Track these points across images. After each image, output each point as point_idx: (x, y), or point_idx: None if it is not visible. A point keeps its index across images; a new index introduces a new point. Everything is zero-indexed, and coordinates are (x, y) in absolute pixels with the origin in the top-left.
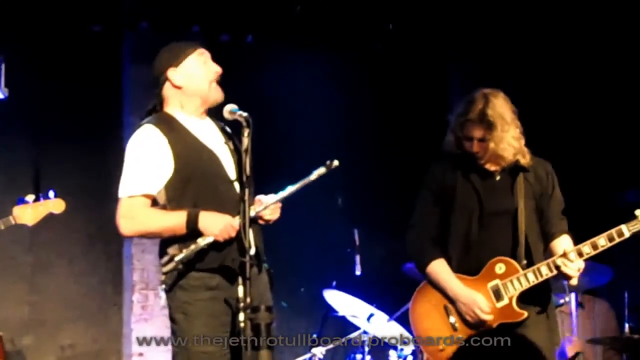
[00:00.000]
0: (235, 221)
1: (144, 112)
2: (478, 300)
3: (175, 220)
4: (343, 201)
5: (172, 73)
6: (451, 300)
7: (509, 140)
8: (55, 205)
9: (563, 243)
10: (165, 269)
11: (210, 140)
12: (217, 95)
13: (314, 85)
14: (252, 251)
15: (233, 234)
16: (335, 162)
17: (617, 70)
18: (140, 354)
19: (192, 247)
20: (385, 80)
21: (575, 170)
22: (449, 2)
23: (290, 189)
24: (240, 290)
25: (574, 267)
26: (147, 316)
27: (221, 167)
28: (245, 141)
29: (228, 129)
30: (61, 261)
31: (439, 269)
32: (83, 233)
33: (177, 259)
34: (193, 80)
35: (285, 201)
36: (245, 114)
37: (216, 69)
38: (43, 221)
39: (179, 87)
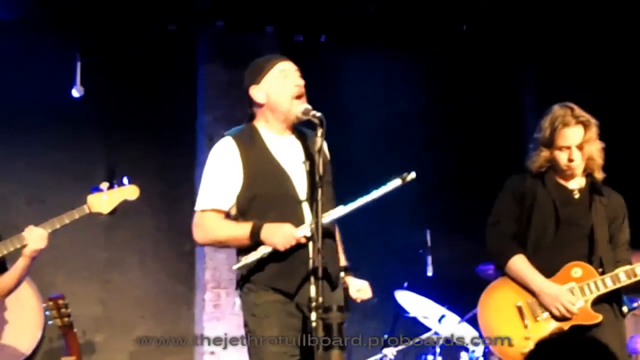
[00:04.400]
0: (297, 231)
1: (218, 111)
2: (564, 292)
3: (241, 231)
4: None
5: (253, 91)
6: (533, 294)
7: (597, 142)
8: (129, 191)
9: None
10: (235, 268)
11: (287, 158)
12: (299, 110)
13: (388, 85)
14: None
15: (293, 243)
16: (412, 175)
17: None
18: (212, 353)
19: (253, 254)
20: (460, 81)
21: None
22: (524, 5)
23: (361, 201)
24: (313, 290)
25: None
26: (219, 315)
27: (290, 187)
28: (319, 141)
29: (317, 144)
30: (133, 259)
31: (521, 263)
32: (155, 231)
33: (236, 266)
34: (273, 97)
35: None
36: (318, 114)
37: (297, 83)
38: (116, 219)
39: (261, 105)
